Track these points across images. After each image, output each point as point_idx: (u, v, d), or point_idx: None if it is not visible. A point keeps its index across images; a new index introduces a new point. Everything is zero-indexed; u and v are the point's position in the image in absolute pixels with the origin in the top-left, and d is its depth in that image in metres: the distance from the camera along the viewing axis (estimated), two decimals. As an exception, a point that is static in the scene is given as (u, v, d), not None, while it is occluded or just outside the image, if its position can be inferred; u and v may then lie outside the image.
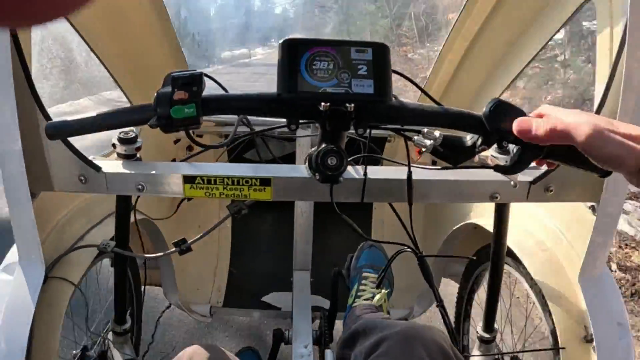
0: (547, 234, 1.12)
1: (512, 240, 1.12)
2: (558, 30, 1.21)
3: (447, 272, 1.65)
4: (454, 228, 1.40)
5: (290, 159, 1.58)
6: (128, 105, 1.27)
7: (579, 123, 0.57)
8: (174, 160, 1.50)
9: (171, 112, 0.66)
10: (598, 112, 0.91)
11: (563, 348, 0.97)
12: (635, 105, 0.84)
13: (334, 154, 0.69)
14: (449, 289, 1.88)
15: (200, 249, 1.85)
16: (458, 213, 1.43)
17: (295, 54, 0.67)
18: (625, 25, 0.81)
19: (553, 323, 1.00)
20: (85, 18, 1.19)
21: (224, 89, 0.90)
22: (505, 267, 1.18)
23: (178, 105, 0.66)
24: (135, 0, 1.33)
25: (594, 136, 0.56)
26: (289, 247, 1.53)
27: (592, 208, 0.97)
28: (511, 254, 1.13)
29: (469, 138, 0.73)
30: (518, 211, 1.18)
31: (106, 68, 1.33)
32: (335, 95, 0.66)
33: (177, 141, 1.67)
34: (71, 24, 1.14)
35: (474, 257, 1.36)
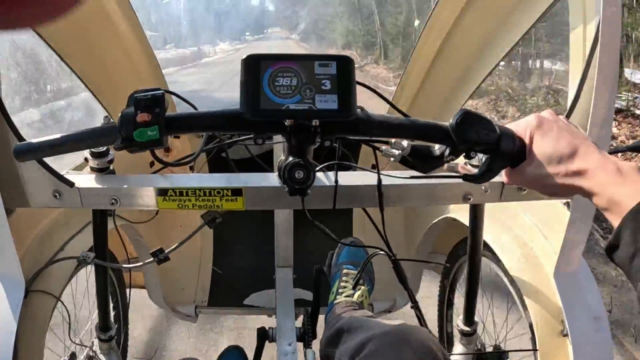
0: (524, 229, 1.13)
1: (490, 236, 1.13)
2: (522, 37, 1.21)
3: (430, 264, 1.66)
4: (433, 222, 1.41)
5: (268, 156, 1.58)
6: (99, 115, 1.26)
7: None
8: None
9: (134, 136, 0.65)
10: (571, 109, 0.91)
11: (536, 350, 0.99)
12: (609, 102, 0.84)
13: (300, 167, 0.69)
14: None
15: (183, 250, 1.82)
16: (437, 207, 1.43)
17: (257, 70, 0.65)
18: (598, 24, 0.81)
19: (531, 317, 1.02)
20: (56, 31, 1.16)
21: (191, 104, 0.89)
22: (486, 260, 1.19)
23: (141, 127, 0.65)
24: (106, 10, 1.30)
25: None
26: (271, 244, 1.53)
27: (568, 204, 0.98)
28: (489, 249, 1.14)
29: (437, 147, 0.73)
30: (495, 207, 1.19)
31: (81, 80, 1.30)
32: (299, 113, 0.65)
33: None
34: (40, 36, 1.11)
35: (446, 264, 1.39)
